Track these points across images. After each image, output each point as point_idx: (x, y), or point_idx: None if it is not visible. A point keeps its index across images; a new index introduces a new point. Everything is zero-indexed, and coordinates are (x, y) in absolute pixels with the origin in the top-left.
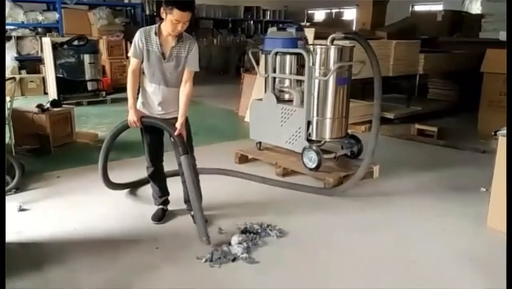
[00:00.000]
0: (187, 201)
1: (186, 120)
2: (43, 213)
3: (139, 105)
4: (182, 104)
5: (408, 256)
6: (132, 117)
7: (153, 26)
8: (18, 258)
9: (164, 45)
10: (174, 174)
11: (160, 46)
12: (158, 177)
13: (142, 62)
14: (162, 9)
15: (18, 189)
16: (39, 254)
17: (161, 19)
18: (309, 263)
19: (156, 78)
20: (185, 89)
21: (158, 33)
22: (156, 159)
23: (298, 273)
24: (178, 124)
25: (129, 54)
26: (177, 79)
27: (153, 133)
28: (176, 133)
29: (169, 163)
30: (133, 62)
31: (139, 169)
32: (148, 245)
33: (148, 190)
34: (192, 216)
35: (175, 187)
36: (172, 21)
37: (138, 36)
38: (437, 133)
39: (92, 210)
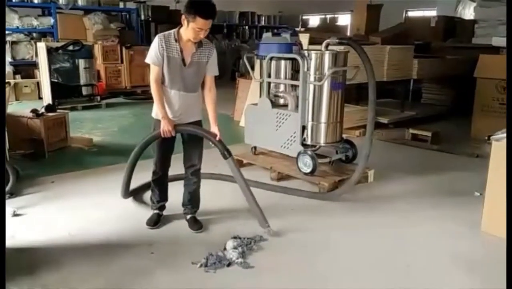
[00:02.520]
0: (185, 204)
1: (201, 123)
2: (37, 218)
3: (155, 112)
4: (212, 110)
5: (402, 260)
6: (167, 126)
7: (171, 31)
8: (12, 263)
9: (185, 51)
10: (172, 179)
11: (181, 53)
12: (162, 183)
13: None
14: (183, 17)
15: (13, 194)
16: (33, 259)
17: (180, 25)
18: (304, 268)
19: (176, 84)
20: (211, 94)
21: (178, 39)
22: (166, 165)
23: (294, 278)
24: (216, 130)
25: (148, 61)
26: (196, 84)
27: (170, 140)
28: (217, 138)
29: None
30: (154, 70)
31: (145, 173)
32: (143, 250)
33: (146, 195)
34: (187, 220)
35: (170, 191)
36: (194, 28)
37: (157, 42)
38: (431, 138)
39: (86, 214)
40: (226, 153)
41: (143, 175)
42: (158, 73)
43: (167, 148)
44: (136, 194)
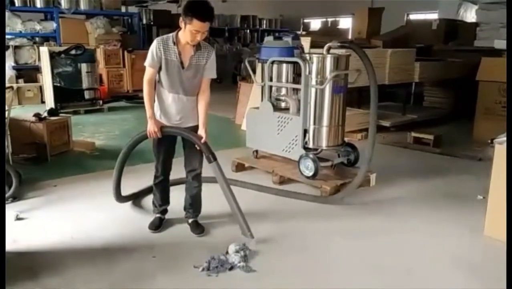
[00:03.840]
0: (186, 208)
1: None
2: (39, 222)
3: (156, 116)
4: (203, 112)
5: (404, 263)
6: (152, 127)
7: (170, 35)
8: (14, 267)
9: (183, 54)
10: (174, 183)
11: (179, 55)
12: (164, 186)
13: (158, 71)
14: (181, 19)
15: (15, 197)
16: (35, 263)
17: (179, 28)
18: (306, 271)
19: (175, 87)
20: (204, 97)
21: (176, 42)
22: (167, 169)
23: (296, 281)
24: (202, 133)
25: (145, 64)
26: (195, 87)
27: (169, 143)
28: (202, 141)
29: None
30: (149, 72)
31: (141, 178)
32: (145, 254)
33: (147, 199)
34: (189, 224)
35: (172, 195)
36: (191, 31)
37: (155, 46)
38: (433, 141)
39: (88, 218)
40: (211, 157)
41: (146, 179)
42: (152, 75)
43: (167, 152)
44: (131, 199)
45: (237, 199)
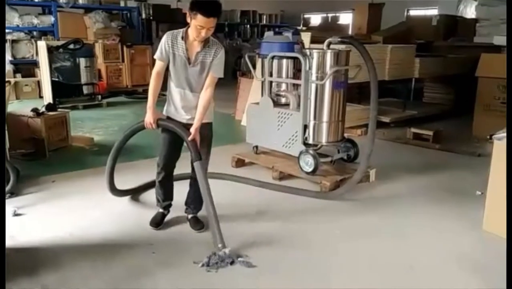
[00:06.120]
0: (188, 203)
1: (210, 127)
2: (38, 218)
3: (165, 111)
4: (200, 109)
5: (405, 260)
6: (148, 118)
7: (181, 30)
8: (12, 263)
9: (190, 50)
10: (179, 178)
11: (186, 51)
12: (166, 183)
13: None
14: (187, 14)
15: (13, 193)
16: (34, 259)
17: (188, 24)
18: (306, 267)
19: (181, 82)
20: (205, 94)
21: (185, 37)
22: (170, 165)
23: (295, 277)
24: (192, 129)
25: (155, 56)
26: (201, 85)
27: (172, 139)
28: (189, 138)
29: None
30: (158, 64)
31: (140, 173)
32: (144, 250)
33: (146, 195)
34: (189, 220)
35: (175, 190)
36: (196, 26)
37: (165, 40)
38: (432, 137)
39: (87, 214)
40: (196, 156)
41: (145, 174)
42: (161, 67)
43: (170, 148)
44: (128, 194)
45: (215, 205)
